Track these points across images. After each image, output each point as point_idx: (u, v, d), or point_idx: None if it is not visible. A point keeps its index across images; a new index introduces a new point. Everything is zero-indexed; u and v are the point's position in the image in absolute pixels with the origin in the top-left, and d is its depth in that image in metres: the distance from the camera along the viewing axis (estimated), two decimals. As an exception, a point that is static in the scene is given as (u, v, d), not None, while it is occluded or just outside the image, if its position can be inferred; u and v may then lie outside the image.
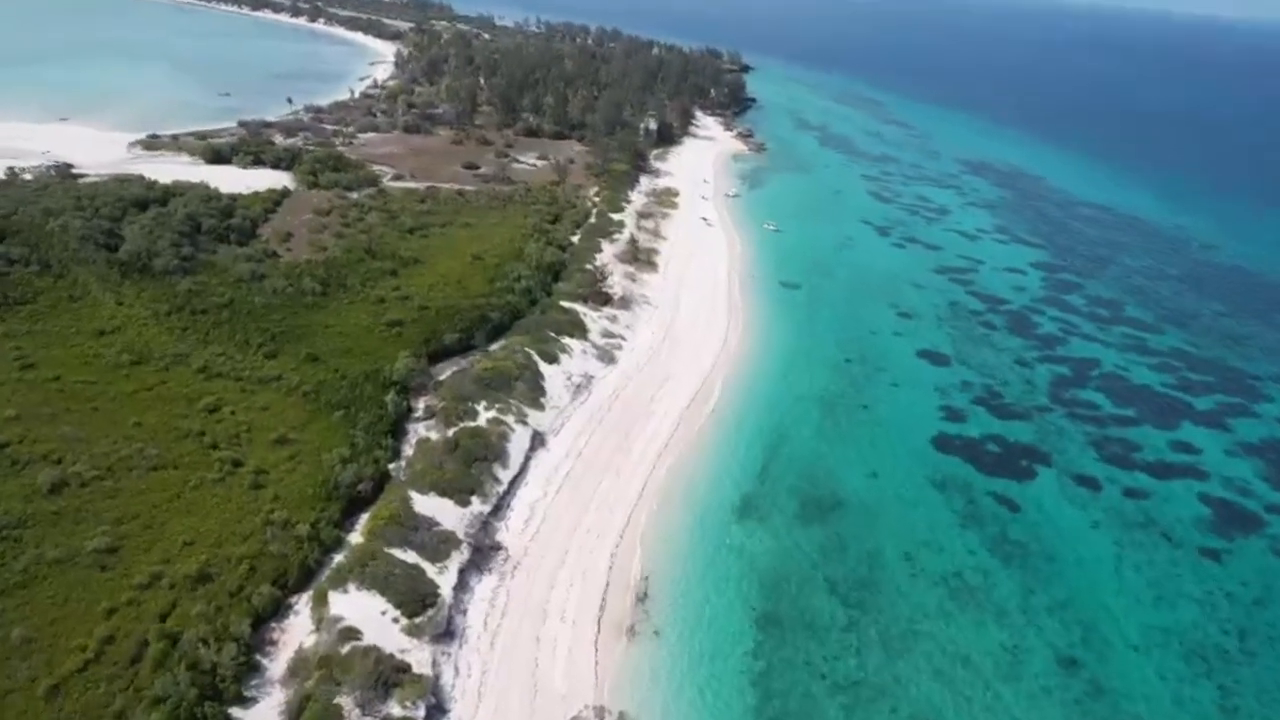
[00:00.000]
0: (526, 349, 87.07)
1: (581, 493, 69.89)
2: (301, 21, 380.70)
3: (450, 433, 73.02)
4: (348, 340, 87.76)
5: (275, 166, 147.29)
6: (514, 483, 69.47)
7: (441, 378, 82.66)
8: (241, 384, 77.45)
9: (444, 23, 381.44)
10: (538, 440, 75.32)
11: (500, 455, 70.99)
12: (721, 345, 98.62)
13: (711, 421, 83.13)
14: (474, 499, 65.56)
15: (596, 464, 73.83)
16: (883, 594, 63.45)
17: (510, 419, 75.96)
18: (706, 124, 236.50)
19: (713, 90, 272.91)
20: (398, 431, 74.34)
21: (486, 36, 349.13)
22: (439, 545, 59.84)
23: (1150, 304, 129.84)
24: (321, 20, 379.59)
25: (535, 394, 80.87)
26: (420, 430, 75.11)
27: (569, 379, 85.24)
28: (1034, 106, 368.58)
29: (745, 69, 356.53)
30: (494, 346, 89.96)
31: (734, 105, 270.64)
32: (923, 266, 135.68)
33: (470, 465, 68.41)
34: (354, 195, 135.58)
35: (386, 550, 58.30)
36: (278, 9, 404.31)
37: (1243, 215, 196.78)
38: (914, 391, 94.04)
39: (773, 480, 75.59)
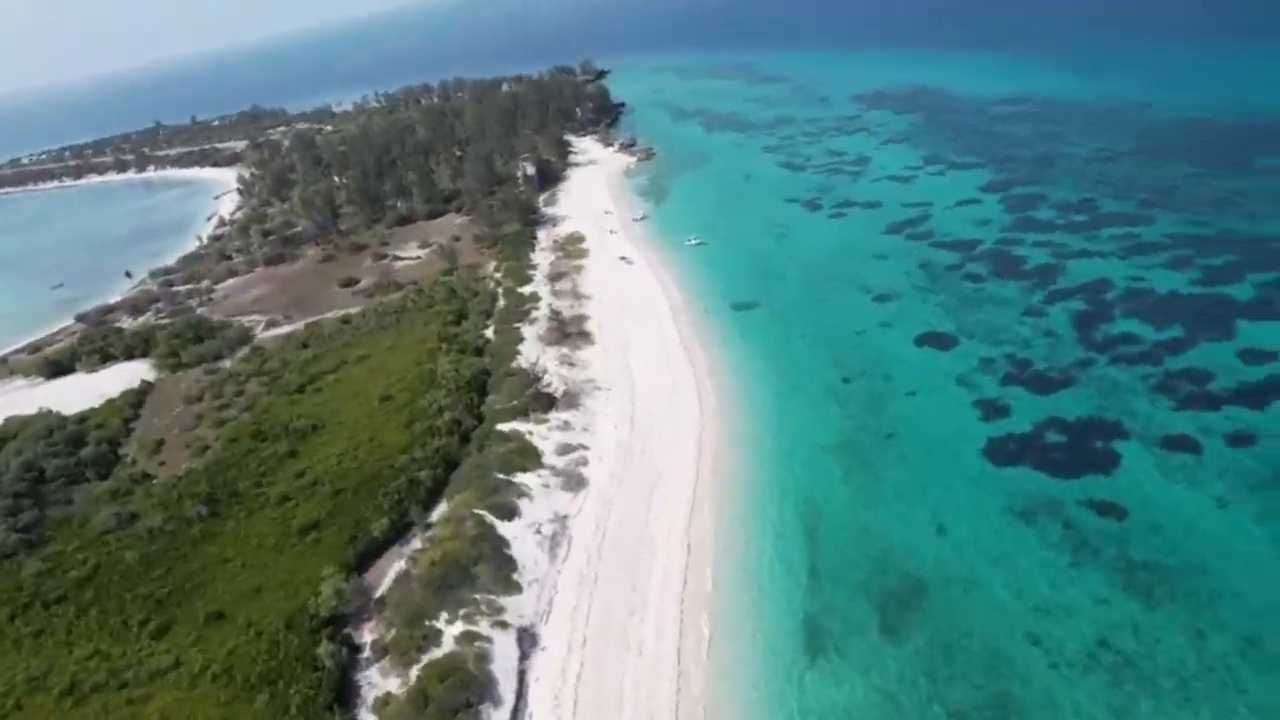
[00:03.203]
0: (475, 510, 69.07)
1: (604, 705, 52.27)
2: (131, 175, 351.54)
3: (413, 675, 54.88)
4: (255, 574, 68.75)
5: (129, 357, 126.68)
6: (515, 723, 51.66)
7: (381, 590, 64.26)
8: (126, 692, 58.25)
9: (280, 129, 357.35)
10: (527, 642, 57.53)
11: (486, 690, 53.05)
12: (699, 412, 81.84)
13: (727, 524, 66.26)
14: (470, 779, 47.63)
15: (610, 648, 56.37)
16: (1030, 713, 47.20)
17: (484, 625, 58.09)
18: (584, 147, 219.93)
19: (578, 109, 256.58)
20: (345, 695, 55.87)
21: (329, 129, 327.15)
22: None
23: (1122, 191, 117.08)
24: (151, 167, 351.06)
25: (505, 572, 62.99)
26: (374, 680, 56.74)
27: (539, 533, 67.52)
28: (894, 17, 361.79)
29: (602, 75, 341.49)
30: (434, 516, 71.82)
31: (605, 117, 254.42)
32: (873, 231, 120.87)
33: (451, 724, 50.42)
34: (226, 364, 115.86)
35: None
36: (102, 170, 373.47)
37: (1155, 61, 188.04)
38: (936, 395, 78.52)
39: (829, 582, 59.08)
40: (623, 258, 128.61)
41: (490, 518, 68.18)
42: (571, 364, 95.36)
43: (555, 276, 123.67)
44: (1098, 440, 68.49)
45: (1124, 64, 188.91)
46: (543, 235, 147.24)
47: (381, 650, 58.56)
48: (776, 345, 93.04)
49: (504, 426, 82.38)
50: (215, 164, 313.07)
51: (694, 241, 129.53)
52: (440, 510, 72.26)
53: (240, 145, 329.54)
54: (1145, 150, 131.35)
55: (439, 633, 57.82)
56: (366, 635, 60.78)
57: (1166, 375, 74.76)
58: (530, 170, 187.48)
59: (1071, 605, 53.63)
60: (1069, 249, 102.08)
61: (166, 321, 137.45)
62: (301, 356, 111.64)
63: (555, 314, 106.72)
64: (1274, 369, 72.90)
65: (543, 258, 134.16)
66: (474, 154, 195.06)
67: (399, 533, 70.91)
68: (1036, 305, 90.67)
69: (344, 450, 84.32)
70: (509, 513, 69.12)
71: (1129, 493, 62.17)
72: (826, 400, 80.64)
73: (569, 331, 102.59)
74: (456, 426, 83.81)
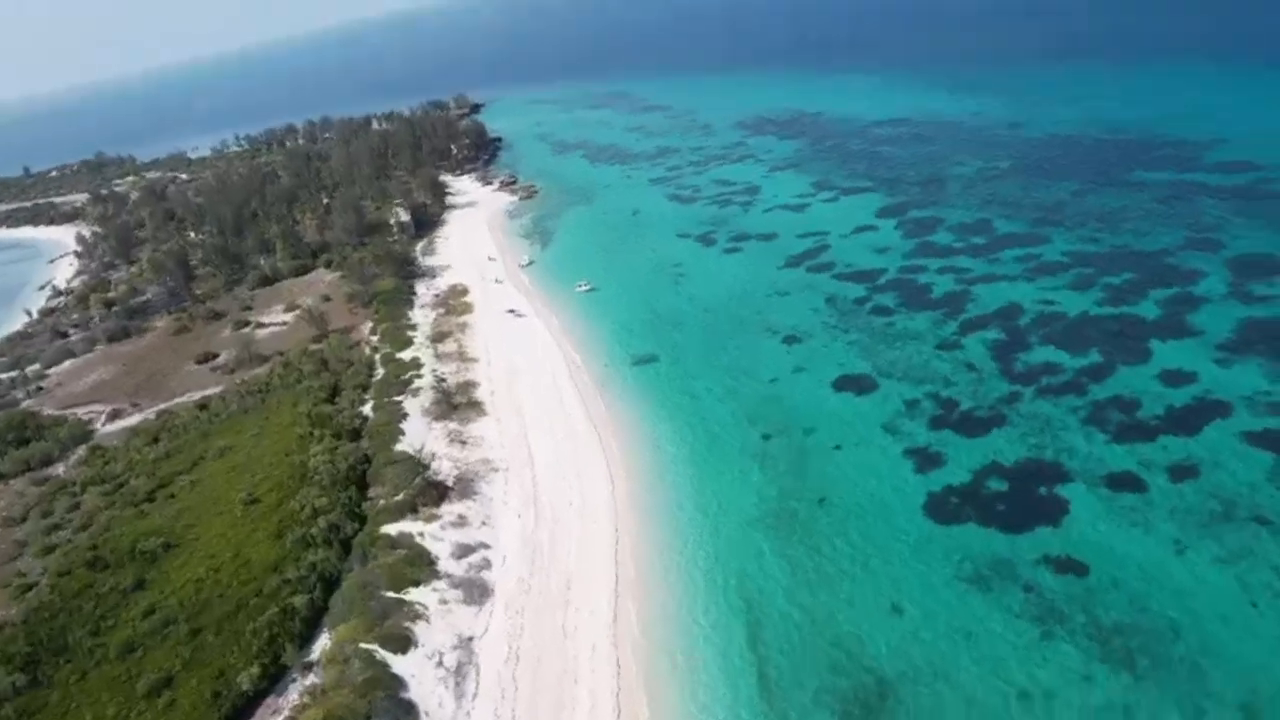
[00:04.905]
0: (363, 645, 58.37)
1: None
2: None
3: None
4: (87, 758, 55.82)
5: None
6: None
7: (251, 764, 52.79)
8: None
9: (128, 179, 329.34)
10: (434, 816, 47.52)
11: None
12: (610, 490, 73.50)
13: (656, 629, 58.03)
14: None
15: (536, 810, 47.05)
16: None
17: (379, 802, 47.70)
18: (462, 187, 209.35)
19: (453, 146, 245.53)
20: None
21: (183, 177, 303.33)
22: None
23: (1013, 210, 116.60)
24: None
25: (401, 723, 52.68)
26: None
27: (440, 665, 57.44)
28: (759, 44, 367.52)
29: (476, 109, 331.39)
30: (315, 652, 60.62)
31: (483, 154, 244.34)
32: (772, 266, 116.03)
33: None
34: (58, 471, 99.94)
35: None
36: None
37: (1012, 81, 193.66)
38: (864, 448, 72.85)
39: (782, 691, 51.64)
40: (511, 310, 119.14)
41: (381, 653, 57.62)
42: (463, 442, 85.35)
43: (438, 337, 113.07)
44: (1040, 485, 64.20)
45: (983, 85, 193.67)
46: (422, 289, 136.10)
47: None
48: (686, 402, 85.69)
49: (390, 528, 71.67)
50: (51, 221, 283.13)
51: (583, 288, 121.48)
52: (321, 644, 61.12)
53: (80, 199, 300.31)
54: (1027, 168, 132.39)
55: (323, 821, 47.10)
56: (233, 828, 49.33)
57: (1095, 406, 71.69)
58: (405, 216, 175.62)
59: (1053, 688, 48.20)
60: (973, 273, 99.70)
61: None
62: (151, 454, 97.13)
63: (440, 381, 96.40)
64: (1196, 391, 71.07)
65: (423, 315, 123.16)
66: (342, 200, 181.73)
67: (273, 681, 59.23)
68: (951, 337, 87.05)
69: (203, 575, 71.61)
70: (403, 643, 58.70)
71: (1083, 544, 57.75)
72: (747, 463, 73.77)
73: (457, 402, 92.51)
74: (334, 533, 72.45)
